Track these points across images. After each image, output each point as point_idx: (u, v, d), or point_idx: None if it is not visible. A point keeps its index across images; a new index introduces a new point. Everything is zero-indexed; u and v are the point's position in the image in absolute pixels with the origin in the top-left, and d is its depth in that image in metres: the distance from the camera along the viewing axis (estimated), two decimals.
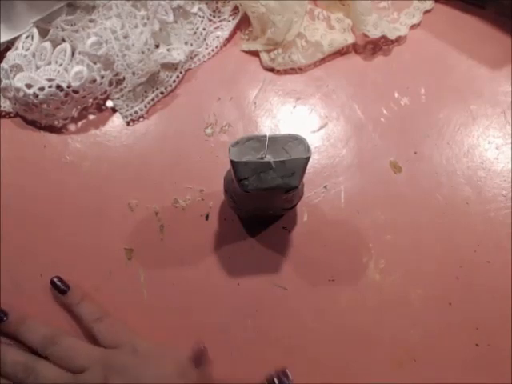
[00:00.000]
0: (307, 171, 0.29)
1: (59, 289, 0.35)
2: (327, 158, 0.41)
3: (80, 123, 0.42)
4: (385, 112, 0.42)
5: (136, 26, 0.40)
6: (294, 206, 0.35)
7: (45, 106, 0.39)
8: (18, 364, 0.32)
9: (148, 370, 0.32)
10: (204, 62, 0.44)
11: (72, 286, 0.36)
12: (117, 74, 0.40)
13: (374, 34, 0.42)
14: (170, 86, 0.43)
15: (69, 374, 0.32)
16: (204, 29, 0.44)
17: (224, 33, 0.44)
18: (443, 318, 0.36)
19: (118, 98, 0.41)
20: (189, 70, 0.44)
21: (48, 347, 0.33)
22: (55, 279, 0.36)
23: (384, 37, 0.43)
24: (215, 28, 0.45)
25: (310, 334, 0.36)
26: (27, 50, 0.39)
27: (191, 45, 0.43)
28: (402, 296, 0.37)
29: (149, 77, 0.41)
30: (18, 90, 0.38)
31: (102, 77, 0.39)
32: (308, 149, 0.28)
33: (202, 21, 0.44)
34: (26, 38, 0.40)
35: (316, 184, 0.40)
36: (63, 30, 0.40)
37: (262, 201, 0.32)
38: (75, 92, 0.39)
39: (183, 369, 0.33)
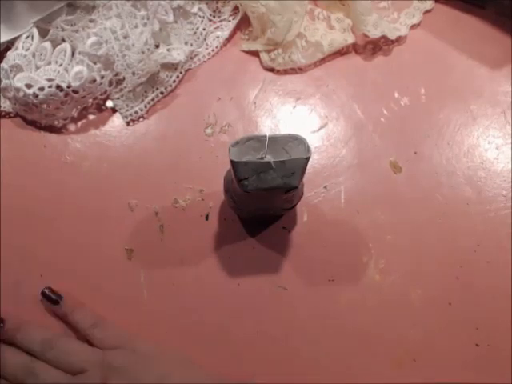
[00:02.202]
0: (307, 171, 0.29)
1: (51, 300, 0.35)
2: (327, 158, 0.41)
3: (80, 123, 0.42)
4: (385, 112, 0.42)
5: (136, 26, 0.40)
6: (294, 206, 0.35)
7: (45, 106, 0.39)
8: (18, 365, 0.32)
9: (148, 370, 0.32)
10: (204, 62, 0.44)
11: (64, 295, 0.35)
12: (117, 74, 0.40)
13: (374, 34, 0.42)
14: (170, 86, 0.43)
15: (68, 375, 0.32)
16: (204, 29, 0.44)
17: (224, 33, 0.44)
18: (443, 318, 0.36)
19: (118, 98, 0.41)
20: (189, 70, 0.44)
21: (46, 352, 0.33)
22: (46, 290, 0.35)
23: (384, 37, 0.43)
24: (215, 28, 0.45)
25: (310, 334, 0.36)
26: (27, 50, 0.39)
27: (191, 45, 0.43)
28: (402, 296, 0.37)
29: (149, 77, 0.41)
30: (17, 90, 0.38)
31: (102, 77, 0.39)
32: (308, 149, 0.28)
33: (202, 21, 0.44)
34: (26, 38, 0.40)
35: (316, 184, 0.40)
36: (63, 30, 0.40)
37: (262, 201, 0.32)
38: (75, 92, 0.39)
39: (183, 368, 0.33)
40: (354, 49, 0.45)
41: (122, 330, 0.35)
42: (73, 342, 0.34)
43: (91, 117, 0.42)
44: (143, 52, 0.39)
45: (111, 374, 0.31)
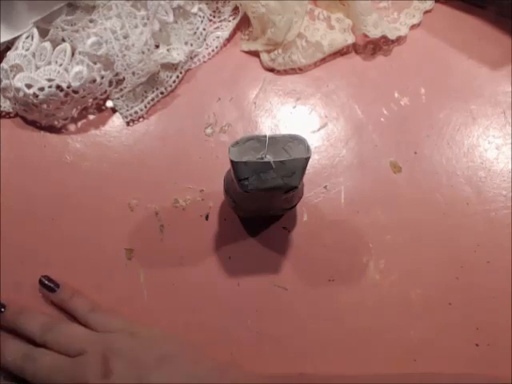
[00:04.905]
0: (307, 171, 0.29)
1: (49, 287, 0.35)
2: (327, 158, 0.41)
3: (80, 123, 0.42)
4: (385, 112, 0.42)
5: (136, 26, 0.40)
6: (294, 206, 0.35)
7: (45, 106, 0.39)
8: (17, 352, 0.32)
9: (148, 352, 0.32)
10: (204, 62, 0.44)
11: (61, 282, 0.36)
12: (117, 74, 0.40)
13: (374, 34, 0.42)
14: (170, 86, 0.43)
15: (67, 357, 0.32)
16: (204, 29, 0.44)
17: (224, 33, 0.44)
18: (443, 318, 0.36)
19: (118, 98, 0.41)
20: (189, 70, 0.44)
21: (46, 333, 0.33)
22: (43, 279, 0.36)
23: (384, 37, 0.43)
24: (215, 28, 0.45)
25: (310, 334, 0.36)
26: (27, 50, 0.39)
27: (191, 45, 0.43)
28: (402, 296, 0.37)
29: (149, 77, 0.41)
30: (17, 90, 0.38)
31: (102, 77, 0.39)
32: (308, 149, 0.28)
33: (202, 21, 0.44)
34: (26, 38, 0.40)
35: (316, 184, 0.40)
36: (63, 30, 0.40)
37: (262, 201, 0.32)
38: (75, 92, 0.39)
39: (184, 350, 0.33)
40: (354, 49, 0.45)
41: (121, 316, 0.35)
42: (73, 325, 0.34)
43: (91, 117, 0.42)
44: (143, 52, 0.39)
45: (111, 355, 0.31)
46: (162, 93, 0.42)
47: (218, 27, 0.45)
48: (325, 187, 0.40)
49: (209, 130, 0.41)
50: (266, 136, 0.28)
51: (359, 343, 0.36)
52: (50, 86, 0.38)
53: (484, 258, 0.38)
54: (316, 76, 0.44)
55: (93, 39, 0.38)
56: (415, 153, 0.41)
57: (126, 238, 0.38)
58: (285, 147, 0.28)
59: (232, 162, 0.27)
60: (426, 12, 0.46)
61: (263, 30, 0.43)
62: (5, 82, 0.39)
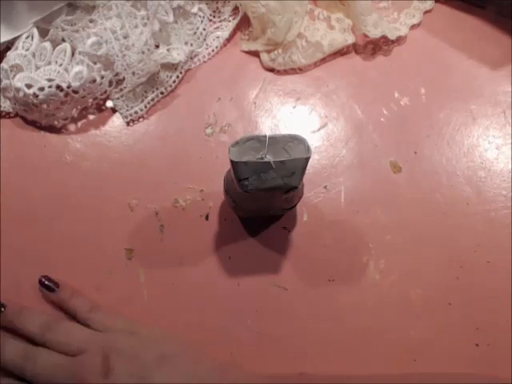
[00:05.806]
0: (307, 171, 0.29)
1: (49, 287, 0.35)
2: (327, 158, 0.41)
3: (80, 123, 0.42)
4: (385, 112, 0.42)
5: (136, 26, 0.40)
6: (294, 206, 0.35)
7: (45, 106, 0.39)
8: (17, 352, 0.32)
9: (148, 351, 0.32)
10: (204, 62, 0.44)
11: (61, 282, 0.36)
12: (117, 74, 0.40)
13: (374, 34, 0.42)
14: (170, 86, 0.43)
15: (67, 357, 0.32)
16: (204, 29, 0.44)
17: (224, 33, 0.44)
18: (443, 318, 0.36)
19: (118, 98, 0.41)
20: (189, 70, 0.44)
21: (45, 333, 0.33)
22: (43, 279, 0.36)
23: (384, 37, 0.43)
24: (215, 28, 0.45)
25: (310, 334, 0.36)
26: (27, 50, 0.39)
27: (191, 45, 0.43)
28: (401, 296, 0.37)
29: (149, 77, 0.41)
30: (17, 90, 0.38)
31: (102, 77, 0.39)
32: (308, 149, 0.28)
33: (202, 21, 0.44)
34: (26, 38, 0.40)
35: (316, 184, 0.40)
36: (63, 30, 0.40)
37: (262, 201, 0.32)
38: (75, 92, 0.39)
39: (184, 350, 0.33)
40: (354, 49, 0.45)
41: (121, 316, 0.35)
42: (72, 324, 0.34)
43: (91, 117, 0.42)
44: (143, 52, 0.39)
45: (112, 354, 0.31)
46: (162, 93, 0.42)
47: (218, 27, 0.45)
48: (325, 187, 0.40)
49: (209, 130, 0.41)
50: (266, 136, 0.28)
51: (359, 343, 0.36)
52: (50, 86, 0.38)
53: (484, 258, 0.38)
54: (316, 76, 0.44)
55: (93, 39, 0.38)
56: (415, 153, 0.41)
57: (126, 238, 0.38)
58: (285, 147, 0.28)
59: (232, 162, 0.27)
60: (426, 12, 0.46)
61: (263, 29, 0.43)
62: (5, 81, 0.39)
